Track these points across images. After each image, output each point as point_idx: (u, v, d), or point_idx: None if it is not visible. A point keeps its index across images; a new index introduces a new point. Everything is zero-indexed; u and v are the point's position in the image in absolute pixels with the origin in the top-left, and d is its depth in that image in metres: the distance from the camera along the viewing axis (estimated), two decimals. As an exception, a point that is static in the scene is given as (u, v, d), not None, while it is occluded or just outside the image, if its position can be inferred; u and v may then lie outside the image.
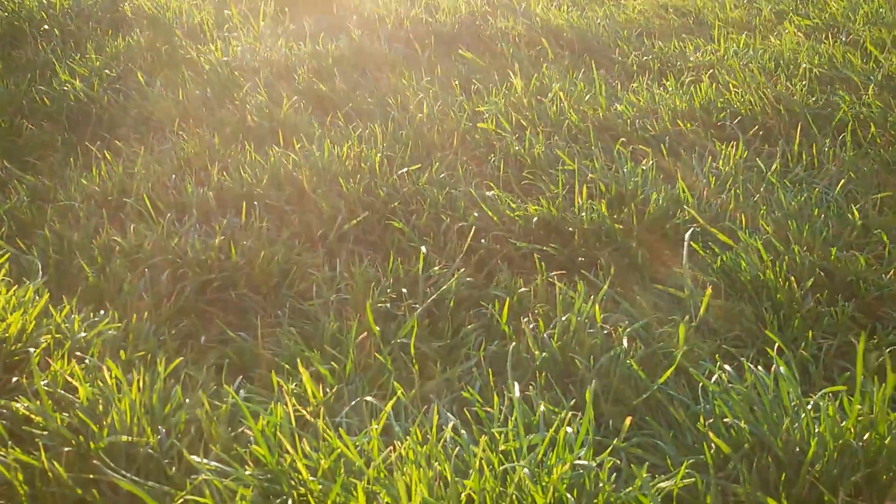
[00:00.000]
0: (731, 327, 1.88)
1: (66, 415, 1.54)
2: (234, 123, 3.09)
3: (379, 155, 2.62)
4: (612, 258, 2.16)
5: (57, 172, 2.95)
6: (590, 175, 2.46)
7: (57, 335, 1.84)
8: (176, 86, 3.44)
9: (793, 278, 1.90)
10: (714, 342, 1.81)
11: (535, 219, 2.28)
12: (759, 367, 1.53)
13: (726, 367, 1.57)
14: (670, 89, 3.11)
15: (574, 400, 1.66)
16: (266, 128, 3.04)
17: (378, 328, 1.86)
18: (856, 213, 2.15)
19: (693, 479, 1.35)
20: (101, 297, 2.14)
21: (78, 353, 1.79)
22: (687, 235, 2.07)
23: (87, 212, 2.62)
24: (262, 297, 2.12)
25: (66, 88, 3.47)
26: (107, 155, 2.90)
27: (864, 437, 1.33)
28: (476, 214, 2.32)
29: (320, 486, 1.29)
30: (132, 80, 3.56)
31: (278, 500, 1.31)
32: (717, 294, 1.95)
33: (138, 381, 1.61)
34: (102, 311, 2.03)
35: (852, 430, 1.34)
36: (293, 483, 1.31)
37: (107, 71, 3.66)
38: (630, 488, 1.30)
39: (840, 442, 1.33)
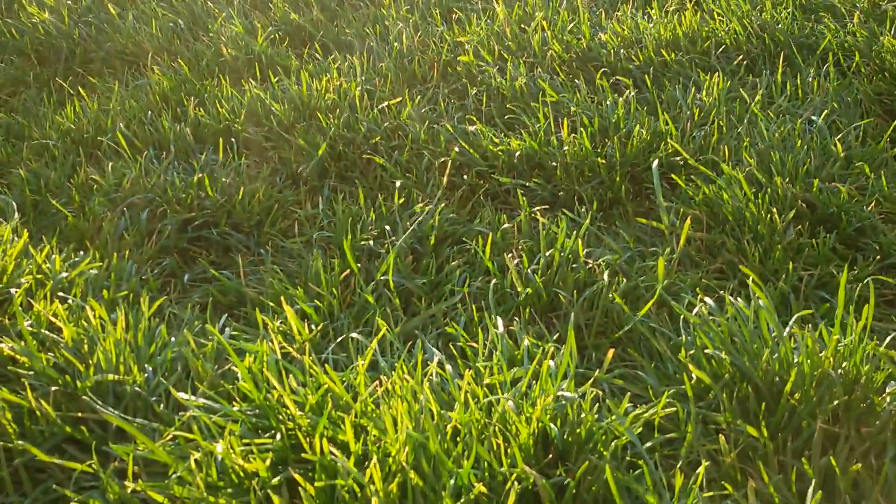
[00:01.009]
0: (712, 260, 1.90)
1: (52, 355, 1.54)
2: (209, 56, 3.02)
3: (359, 88, 2.58)
4: (594, 193, 2.16)
5: (30, 110, 2.89)
6: (573, 108, 2.43)
7: (38, 276, 1.83)
8: (148, 18, 3.35)
9: (774, 210, 1.91)
10: (696, 275, 1.83)
11: (518, 154, 2.26)
12: (740, 300, 1.54)
13: (707, 299, 1.59)
14: (655, 18, 3.06)
15: (557, 334, 1.68)
16: (242, 61, 2.98)
17: (361, 266, 1.86)
18: (838, 144, 2.15)
19: (674, 409, 1.38)
20: (81, 237, 2.12)
21: (60, 294, 1.78)
22: (654, 165, 2.06)
23: (63, 150, 2.57)
24: (244, 236, 2.10)
25: (34, 21, 3.36)
26: (81, 91, 2.84)
27: (843, 367, 1.36)
28: (458, 150, 2.29)
29: (308, 421, 1.30)
30: (103, 13, 3.46)
31: (267, 435, 1.33)
32: (699, 227, 1.96)
33: (122, 320, 1.60)
34: (83, 251, 2.01)
35: (831, 360, 1.37)
36: (281, 418, 1.33)
37: (75, 3, 3.54)
38: (612, 418, 1.33)
39: (818, 371, 1.35)
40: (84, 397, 1.43)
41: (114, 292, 1.82)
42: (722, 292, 1.72)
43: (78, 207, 2.24)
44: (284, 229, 2.12)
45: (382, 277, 1.82)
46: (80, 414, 1.42)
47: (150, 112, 2.67)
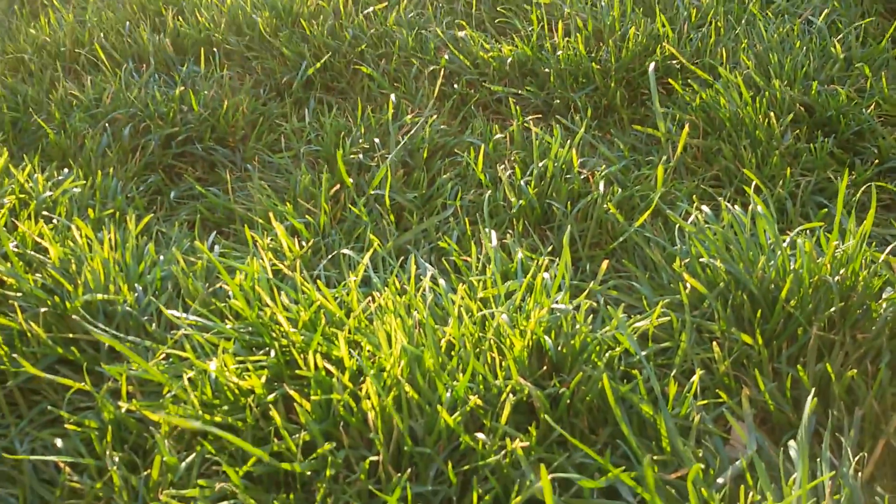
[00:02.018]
0: (709, 167, 1.86)
1: (39, 276, 1.52)
2: (187, -37, 2.89)
3: (344, -6, 2.48)
4: (589, 100, 2.10)
5: (2, 22, 2.77)
6: (566, 10, 2.35)
7: (21, 195, 1.79)
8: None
9: (772, 114, 1.86)
10: (692, 183, 1.80)
11: (510, 60, 2.19)
12: (737, 207, 1.52)
13: (703, 207, 1.56)
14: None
15: (551, 246, 1.66)
16: (222, -33, 2.85)
17: (351, 180, 1.82)
18: (838, 45, 2.09)
19: (668, 318, 1.37)
20: (64, 155, 2.07)
21: (45, 213, 1.74)
22: (651, 69, 2.00)
23: (40, 64, 2.49)
24: (229, 150, 2.05)
25: (0, -72, 3.20)
26: (54, 2, 2.72)
27: (840, 273, 1.35)
28: (448, 57, 2.22)
29: (302, 338, 1.29)
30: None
31: (261, 352, 1.32)
32: (695, 133, 1.92)
33: (109, 239, 1.57)
34: (66, 169, 1.96)
35: (828, 267, 1.35)
36: (275, 335, 1.32)
37: None
38: (606, 328, 1.32)
39: (815, 278, 1.34)
40: (74, 317, 1.41)
41: (99, 211, 1.79)
42: (718, 199, 1.69)
43: (58, 124, 2.17)
44: (270, 143, 2.07)
45: (374, 192, 1.78)
46: (70, 335, 1.41)
47: (127, 23, 2.56)
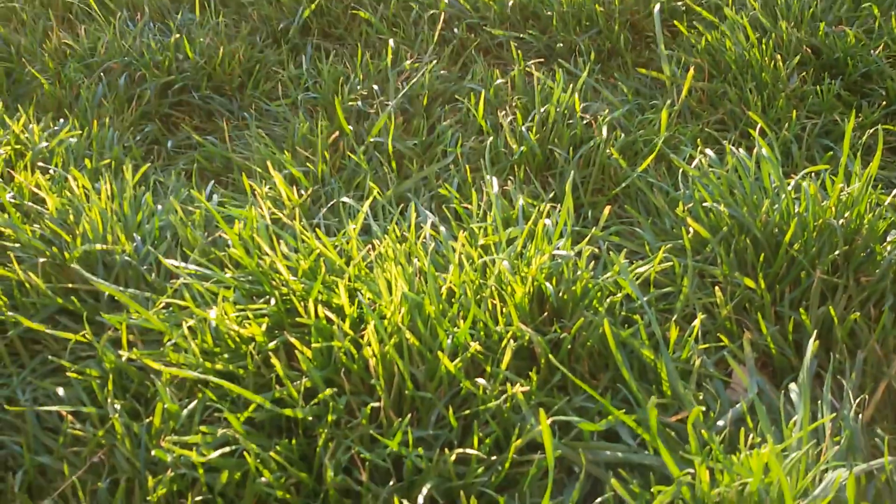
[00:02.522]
0: (713, 111, 1.83)
1: (37, 226, 1.51)
2: None
3: (341, -63, 2.42)
4: (592, 43, 2.06)
5: (-8, -30, 2.72)
6: (569, -48, 2.28)
7: (17, 146, 1.77)
8: None
9: (779, 57, 1.82)
10: (696, 126, 1.77)
11: (511, 3, 2.14)
12: (741, 150, 1.50)
13: (708, 151, 1.54)
14: None
15: (553, 192, 1.64)
16: None
17: (350, 127, 1.80)
18: (849, -16, 2.03)
19: (670, 264, 1.36)
20: (59, 105, 2.04)
21: (41, 164, 1.73)
22: (656, 11, 1.96)
23: (33, 14, 2.44)
24: (226, 99, 2.03)
25: None
26: (43, -52, 2.66)
27: (845, 216, 1.33)
28: (447, 0, 2.17)
29: (302, 286, 1.28)
30: None
31: (261, 301, 1.31)
32: (700, 76, 1.89)
33: (107, 189, 1.56)
34: (62, 120, 1.94)
35: (833, 210, 1.34)
36: (275, 284, 1.31)
37: None
38: (608, 274, 1.31)
39: (820, 221, 1.33)
40: (73, 268, 1.41)
41: (96, 161, 1.77)
42: (723, 143, 1.67)
43: (53, 74, 2.14)
44: (268, 91, 2.04)
45: (373, 140, 1.76)
46: (70, 285, 1.40)
47: (120, -30, 2.51)
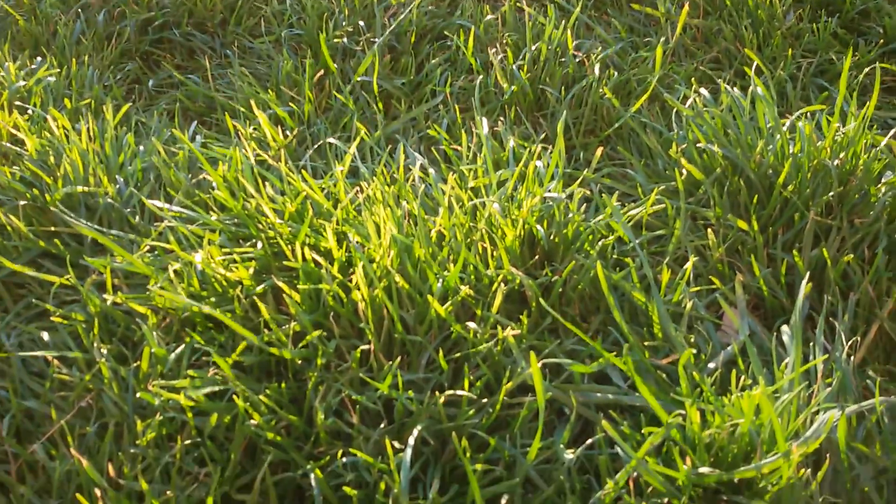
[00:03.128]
0: (708, 49, 1.79)
1: (16, 168, 1.47)
2: None
3: None
4: (585, -22, 2.00)
5: None
6: None
7: (-8, 86, 1.72)
8: None
9: (776, -7, 1.78)
10: (691, 65, 1.74)
11: (502, -64, 2.07)
12: (736, 89, 1.47)
13: (702, 90, 1.51)
14: None
15: (545, 133, 1.61)
16: None
17: (336, 66, 1.75)
18: (849, -83, 1.97)
19: (663, 206, 1.35)
20: (36, 43, 1.98)
21: (18, 104, 1.68)
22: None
23: (3, -54, 2.34)
24: (208, 36, 1.96)
25: None
26: None
27: (840, 157, 1.31)
28: (437, -67, 2.10)
29: (289, 229, 1.26)
30: None
31: (248, 244, 1.29)
32: (695, 13, 1.84)
33: (87, 129, 1.52)
34: (39, 58, 1.88)
35: (828, 151, 1.32)
36: (261, 227, 1.29)
37: None
38: (600, 217, 1.29)
39: (815, 162, 1.31)
40: (55, 210, 1.38)
41: (76, 101, 1.72)
42: (718, 82, 1.63)
43: (28, 10, 2.06)
44: (250, 28, 1.98)
45: (360, 79, 1.71)
46: (52, 228, 1.37)
47: None
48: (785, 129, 1.38)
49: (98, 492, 0.94)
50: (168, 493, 0.96)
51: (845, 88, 1.45)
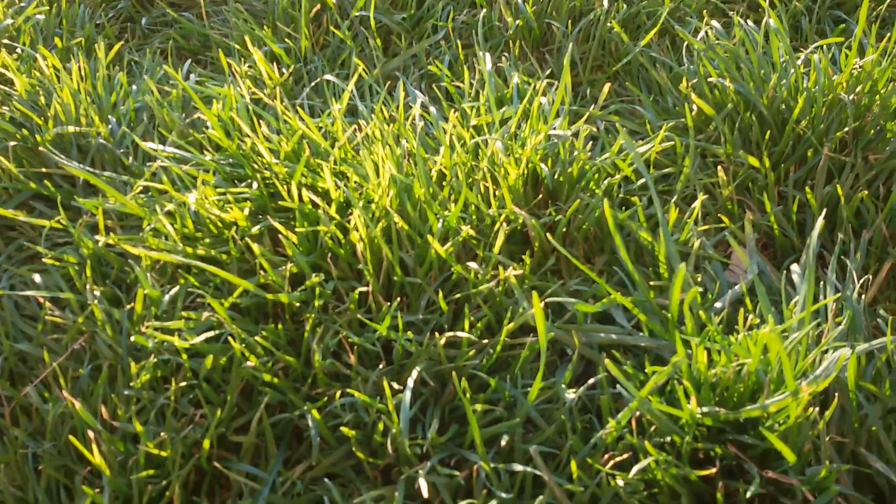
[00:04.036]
0: (721, -19, 1.73)
1: (6, 108, 1.43)
2: None
3: None
4: None
5: None
6: None
7: (-20, 25, 1.67)
8: None
9: (793, -78, 1.70)
10: (702, -2, 1.67)
11: None
12: (749, 22, 1.41)
13: (714, 23, 1.45)
14: None
15: (550, 69, 1.56)
16: None
17: (333, 0, 1.69)
18: None
19: (672, 143, 1.30)
20: (24, -19, 1.92)
21: (7, 42, 1.63)
22: None
23: None
24: (203, -28, 1.90)
25: None
26: None
27: (856, 91, 1.26)
28: None
29: (286, 169, 1.22)
30: None
31: (243, 185, 1.26)
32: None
33: (78, 69, 1.47)
34: (28, -3, 1.83)
35: (844, 85, 1.26)
36: (256, 167, 1.25)
37: None
38: (606, 155, 1.25)
39: (830, 97, 1.26)
40: (46, 151, 1.34)
41: (67, 40, 1.67)
42: (730, 15, 1.57)
43: (16, -52, 2.00)
44: (246, -38, 1.91)
45: (358, 14, 1.66)
46: (43, 169, 1.34)
47: None
48: (799, 62, 1.32)
49: (91, 434, 0.92)
50: (163, 434, 0.95)
51: (864, 20, 1.39)
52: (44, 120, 1.41)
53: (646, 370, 0.95)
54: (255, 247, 1.09)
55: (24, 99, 1.45)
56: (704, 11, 1.63)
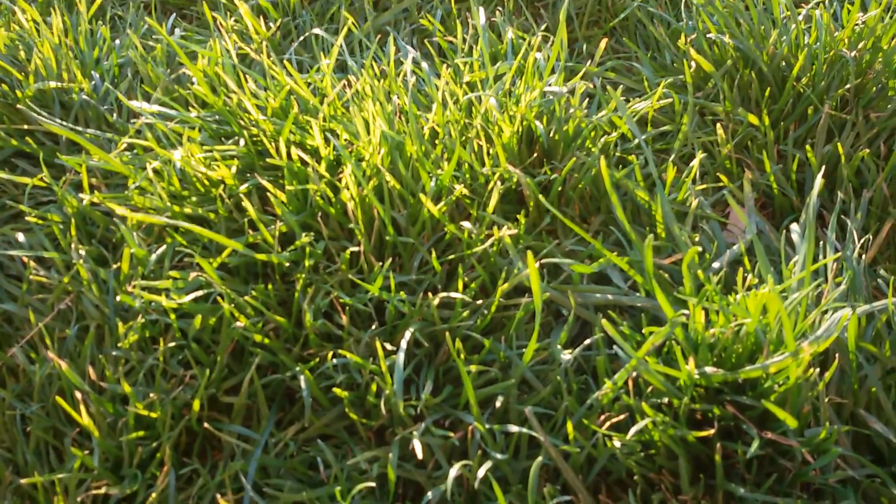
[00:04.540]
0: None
1: (-15, 64, 1.39)
2: None
3: None
4: None
5: None
6: None
7: (-44, -23, 1.61)
8: None
9: None
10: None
11: None
12: (750, -23, 1.37)
13: (714, -22, 1.41)
14: None
15: (545, 24, 1.52)
16: None
17: (324, -47, 1.64)
18: None
19: (670, 100, 1.27)
20: (2, -68, 1.85)
21: (-15, -3, 1.58)
22: None
23: None
24: (187, -77, 1.84)
25: None
26: None
27: (858, 48, 1.23)
28: None
29: (273, 126, 1.19)
30: None
31: (230, 142, 1.23)
32: None
33: (59, 23, 1.43)
34: (6, -52, 1.76)
35: (846, 41, 1.24)
36: (243, 123, 1.22)
37: None
38: (603, 112, 1.23)
39: (831, 53, 1.23)
40: (27, 108, 1.30)
41: (46, -7, 1.62)
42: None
43: None
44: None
45: (348, -33, 1.61)
46: (25, 126, 1.30)
47: None
48: (800, 18, 1.29)
49: (80, 395, 0.91)
50: (152, 395, 0.93)
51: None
52: (24, 75, 1.36)
53: (643, 331, 0.94)
54: (248, 205, 1.06)
55: (2, 53, 1.41)
56: (704, -35, 1.59)
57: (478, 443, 0.89)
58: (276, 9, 1.54)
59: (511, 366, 0.96)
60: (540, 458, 0.83)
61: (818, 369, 0.86)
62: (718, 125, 1.22)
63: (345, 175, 1.08)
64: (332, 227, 1.10)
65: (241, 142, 1.20)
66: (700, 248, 1.08)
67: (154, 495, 0.87)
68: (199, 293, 1.00)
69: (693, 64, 1.31)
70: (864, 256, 1.03)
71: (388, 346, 0.96)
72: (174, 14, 1.58)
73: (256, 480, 0.91)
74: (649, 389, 0.89)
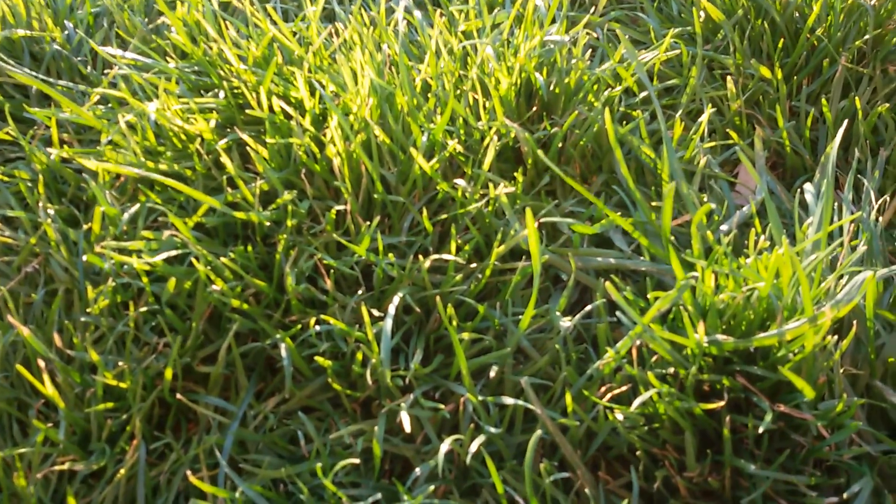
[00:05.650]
0: None
1: (-50, 12, 1.31)
2: None
3: None
4: None
5: None
6: None
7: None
8: None
9: None
10: None
11: None
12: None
13: (725, -78, 1.33)
14: None
15: (544, -28, 1.44)
16: None
17: None
18: None
19: (678, 52, 1.20)
20: None
21: (-49, -60, 1.49)
22: None
23: None
24: None
25: None
26: None
27: (879, -6, 1.16)
28: None
29: (256, 78, 1.12)
30: None
31: (210, 94, 1.15)
32: None
33: (28, -32, 1.34)
34: None
35: (866, -13, 1.16)
36: (223, 74, 1.14)
37: None
38: (607, 64, 1.15)
39: (849, 2, 1.15)
40: (-6, 58, 1.23)
41: (17, -63, 1.53)
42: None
43: None
44: None
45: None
46: (-9, 77, 1.23)
47: None
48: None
49: (43, 363, 0.85)
50: (122, 364, 0.87)
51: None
52: (-9, 23, 1.29)
53: (647, 296, 0.88)
54: (227, 160, 0.99)
55: (-31, 0, 1.32)
56: None
57: (470, 416, 0.84)
58: (259, -46, 1.46)
59: (506, 334, 0.90)
60: (537, 433, 0.77)
61: (836, 337, 0.80)
62: (728, 79, 1.15)
63: (331, 129, 1.01)
64: (316, 185, 1.04)
65: (221, 94, 1.13)
66: (708, 210, 1.01)
67: (123, 471, 0.81)
68: (174, 253, 0.94)
69: (702, 13, 1.23)
70: (880, 219, 0.97)
71: (376, 313, 0.91)
72: (152, -41, 1.49)
73: (233, 455, 0.86)
74: (654, 359, 0.83)
